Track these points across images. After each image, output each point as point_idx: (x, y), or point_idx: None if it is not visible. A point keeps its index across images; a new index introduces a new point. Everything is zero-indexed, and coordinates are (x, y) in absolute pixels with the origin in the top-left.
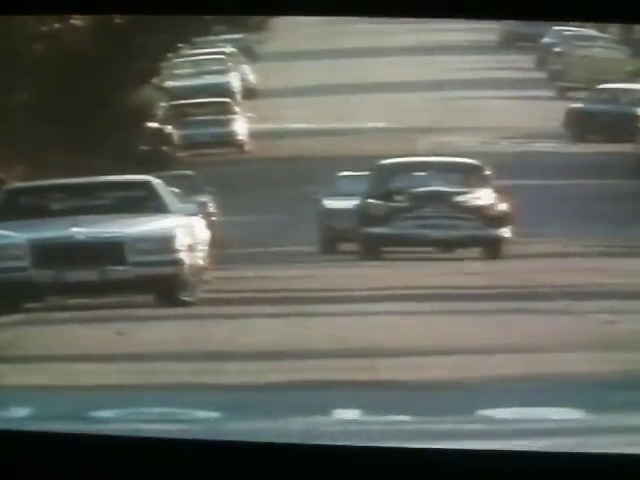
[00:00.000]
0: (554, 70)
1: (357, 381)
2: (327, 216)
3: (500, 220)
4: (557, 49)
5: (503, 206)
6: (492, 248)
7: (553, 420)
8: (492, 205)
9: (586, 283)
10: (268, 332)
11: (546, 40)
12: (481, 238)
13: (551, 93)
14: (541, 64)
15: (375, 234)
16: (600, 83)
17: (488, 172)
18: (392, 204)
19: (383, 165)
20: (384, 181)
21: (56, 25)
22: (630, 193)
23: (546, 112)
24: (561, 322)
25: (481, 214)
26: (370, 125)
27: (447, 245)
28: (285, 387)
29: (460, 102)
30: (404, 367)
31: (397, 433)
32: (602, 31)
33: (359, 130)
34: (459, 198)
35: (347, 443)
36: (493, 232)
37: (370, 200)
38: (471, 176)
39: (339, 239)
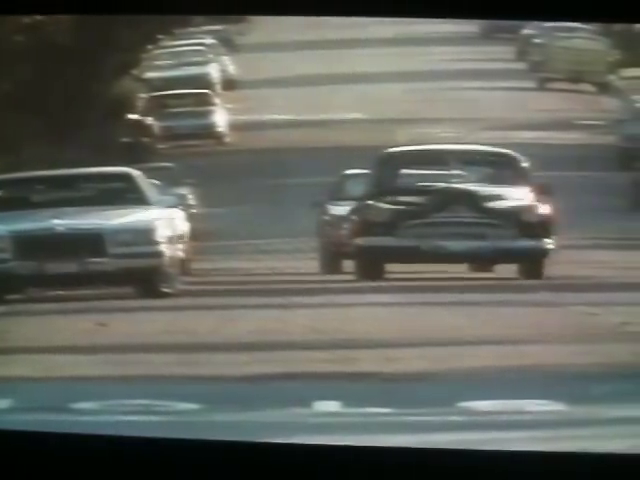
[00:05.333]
0: (534, 61)
1: (337, 373)
2: (330, 225)
3: (542, 227)
4: (537, 40)
5: (545, 209)
6: (532, 264)
7: (533, 412)
8: (532, 208)
9: (567, 275)
10: (248, 324)
11: (526, 31)
12: (518, 251)
13: (532, 84)
14: (521, 55)
15: (376, 247)
16: (580, 74)
17: (525, 164)
18: (399, 207)
19: (388, 155)
20: (389, 176)
21: (36, 17)
22: (613, 185)
23: (527, 103)
24: (542, 314)
25: (518, 220)
26: (350, 116)
27: (472, 261)
28: (265, 379)
29: (440, 93)
30: (384, 359)
31: (377, 425)
32: (582, 22)
33: (339, 121)
34: (489, 199)
35: (327, 435)
36: (534, 243)
37: (370, 202)
38: (504, 170)
39: (346, 255)
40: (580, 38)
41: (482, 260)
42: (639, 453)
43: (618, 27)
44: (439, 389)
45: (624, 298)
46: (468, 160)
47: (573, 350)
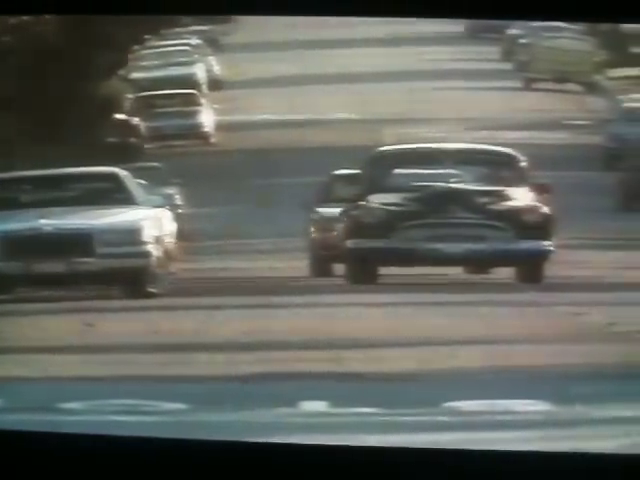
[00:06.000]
0: (520, 61)
1: (326, 373)
2: (321, 227)
3: (542, 229)
4: (523, 40)
5: (545, 209)
6: (532, 267)
7: (520, 412)
8: (532, 209)
9: (553, 275)
10: (234, 324)
11: (512, 31)
12: (518, 254)
13: (518, 84)
14: (507, 55)
15: (369, 249)
16: (566, 74)
17: (524, 163)
18: (393, 208)
19: (381, 154)
20: (382, 176)
21: (23, 17)
22: (600, 185)
23: (513, 103)
24: (528, 314)
25: (517, 221)
26: (337, 116)
27: (469, 264)
28: (253, 378)
29: (427, 93)
30: (371, 359)
31: (365, 425)
32: (568, 22)
33: (326, 121)
34: (487, 199)
35: (316, 435)
36: (534, 245)
37: (362, 202)
38: (503, 169)
39: (337, 258)
40: (566, 38)
41: (480, 263)
42: (625, 453)
43: (604, 27)
44: (427, 389)
45: (611, 298)
46: (465, 159)
47: (560, 350)
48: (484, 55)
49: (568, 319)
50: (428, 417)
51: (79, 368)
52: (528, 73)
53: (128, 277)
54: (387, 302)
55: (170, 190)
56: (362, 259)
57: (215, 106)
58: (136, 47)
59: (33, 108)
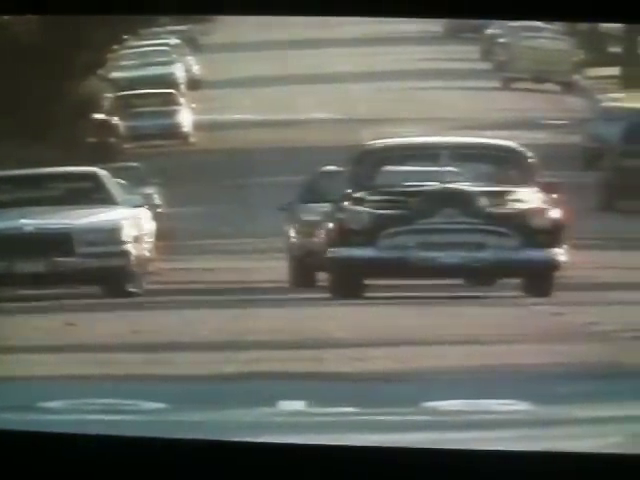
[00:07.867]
0: (499, 61)
1: (304, 372)
2: (301, 232)
3: (552, 235)
4: (502, 40)
5: (555, 213)
6: (539, 279)
7: (500, 412)
8: (540, 212)
9: None
10: (214, 323)
11: (491, 31)
12: (525, 263)
13: (497, 84)
14: (486, 55)
15: (354, 258)
16: (545, 74)
17: (531, 160)
18: (381, 211)
19: (369, 150)
20: (370, 174)
21: (2, 16)
22: (579, 185)
23: (492, 103)
24: (508, 314)
25: (523, 226)
26: (315, 116)
27: (468, 274)
28: (232, 378)
29: (405, 93)
30: (350, 358)
31: (345, 424)
32: (547, 22)
33: (304, 121)
34: (488, 201)
35: (295, 435)
36: (543, 254)
37: (347, 204)
38: (506, 167)
39: (319, 267)
40: (545, 38)
41: (481, 274)
42: (606, 452)
43: (583, 27)
44: (406, 389)
45: (591, 298)
46: (463, 155)
47: (540, 350)
48: (463, 55)
49: (548, 319)
50: (408, 417)
51: (60, 367)
52: (507, 73)
53: (108, 276)
54: (367, 302)
55: (149, 190)
56: (346, 269)
57: (194, 106)
58: (115, 47)
59: (12, 108)
